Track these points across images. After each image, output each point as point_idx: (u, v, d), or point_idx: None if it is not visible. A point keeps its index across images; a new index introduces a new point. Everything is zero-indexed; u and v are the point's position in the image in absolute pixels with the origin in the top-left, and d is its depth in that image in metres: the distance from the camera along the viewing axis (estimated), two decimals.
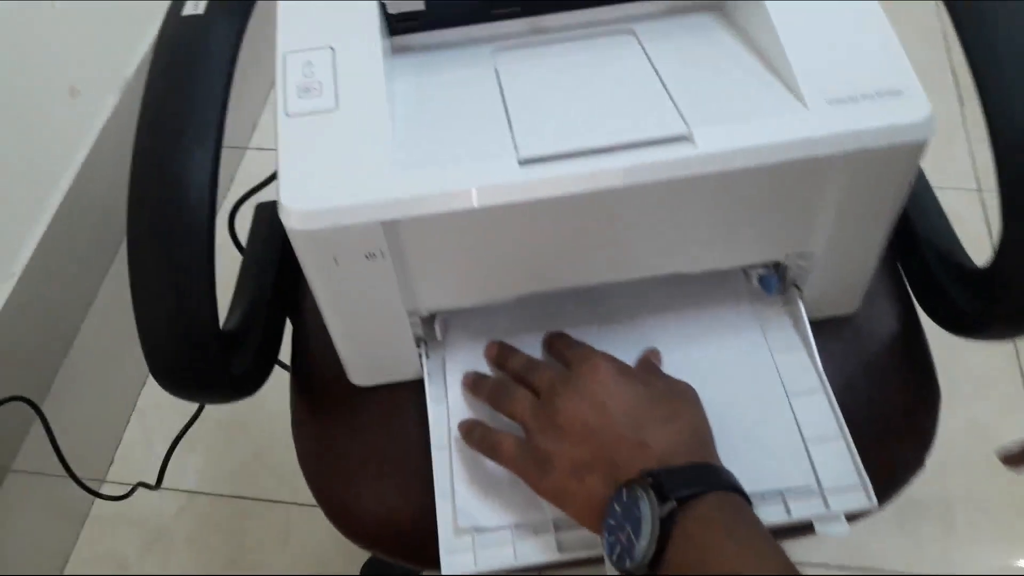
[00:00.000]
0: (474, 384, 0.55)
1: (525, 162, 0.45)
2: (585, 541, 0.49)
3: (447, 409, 0.55)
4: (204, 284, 0.49)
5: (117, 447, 1.15)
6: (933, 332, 0.59)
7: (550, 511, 0.49)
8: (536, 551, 0.49)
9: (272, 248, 0.64)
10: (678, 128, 0.45)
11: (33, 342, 1.11)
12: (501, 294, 0.54)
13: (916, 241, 0.58)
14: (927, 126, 0.45)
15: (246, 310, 0.59)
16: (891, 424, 0.55)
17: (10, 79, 1.13)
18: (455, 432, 0.53)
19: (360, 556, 1.00)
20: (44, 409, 0.98)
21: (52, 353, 1.16)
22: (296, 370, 0.63)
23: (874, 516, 0.51)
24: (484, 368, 0.57)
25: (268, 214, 0.68)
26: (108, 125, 1.29)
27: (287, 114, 0.46)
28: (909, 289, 0.61)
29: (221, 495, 1.10)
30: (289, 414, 0.61)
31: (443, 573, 0.48)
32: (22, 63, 1.15)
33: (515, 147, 0.45)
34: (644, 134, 0.45)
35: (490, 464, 0.52)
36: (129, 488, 0.99)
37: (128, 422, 1.17)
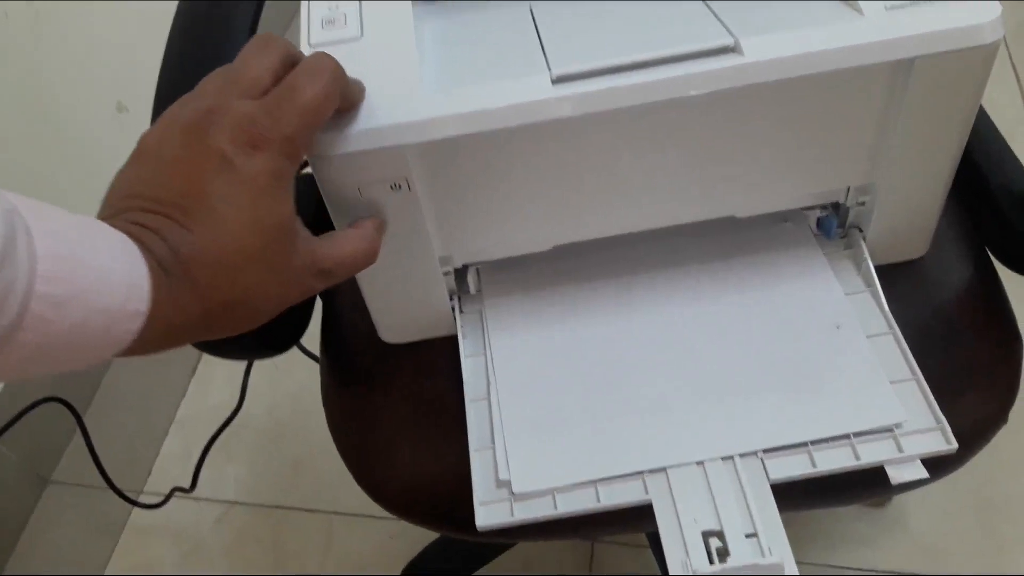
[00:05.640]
0: None
1: (559, 80, 0.42)
2: (627, 491, 0.45)
3: (486, 361, 0.51)
4: None
5: (155, 458, 1.14)
6: (1013, 282, 0.55)
7: (598, 468, 0.46)
8: (576, 500, 0.45)
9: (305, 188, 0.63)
10: (723, 39, 0.42)
11: None
12: (536, 241, 0.51)
13: (985, 184, 0.54)
14: (995, 27, 0.41)
15: None
16: (969, 374, 0.50)
17: (61, 92, 1.15)
18: (499, 385, 0.50)
19: (401, 564, 0.96)
20: (86, 419, 0.98)
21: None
22: (326, 331, 0.60)
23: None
24: (527, 321, 0.53)
25: None
26: None
27: (310, 45, 0.45)
28: (980, 235, 0.56)
29: (260, 505, 1.07)
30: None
31: (477, 525, 0.44)
32: (73, 77, 1.17)
33: (548, 67, 0.43)
34: (686, 47, 0.42)
35: (540, 416, 0.48)
36: (164, 496, 0.97)
37: (167, 433, 1.15)
